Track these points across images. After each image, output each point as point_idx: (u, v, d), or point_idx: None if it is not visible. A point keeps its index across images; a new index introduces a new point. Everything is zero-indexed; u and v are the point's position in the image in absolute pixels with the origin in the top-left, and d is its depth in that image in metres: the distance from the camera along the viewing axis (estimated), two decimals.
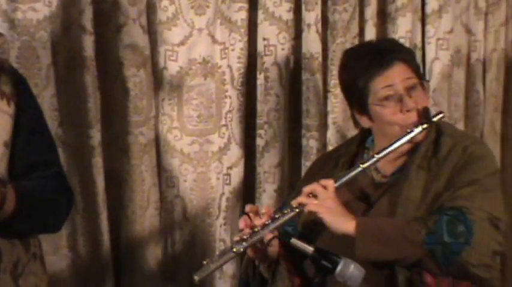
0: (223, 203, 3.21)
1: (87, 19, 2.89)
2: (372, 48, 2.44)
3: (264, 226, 2.23)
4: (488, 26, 3.59)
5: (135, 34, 2.99)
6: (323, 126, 3.30)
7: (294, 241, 2.19)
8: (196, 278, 2.22)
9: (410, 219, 2.25)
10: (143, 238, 3.08)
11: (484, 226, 2.22)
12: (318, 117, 3.27)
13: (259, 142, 3.26)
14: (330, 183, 2.27)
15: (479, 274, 2.24)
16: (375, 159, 2.31)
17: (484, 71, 3.61)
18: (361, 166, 2.31)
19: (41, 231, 2.30)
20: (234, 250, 2.21)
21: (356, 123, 2.49)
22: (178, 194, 3.16)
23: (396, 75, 2.33)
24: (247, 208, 2.29)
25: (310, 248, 2.15)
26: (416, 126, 2.32)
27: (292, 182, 3.33)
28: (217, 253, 3.09)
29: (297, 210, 2.25)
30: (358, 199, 2.39)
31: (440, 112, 2.39)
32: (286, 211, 2.26)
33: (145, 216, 3.08)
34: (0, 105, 2.11)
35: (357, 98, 2.39)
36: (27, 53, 2.80)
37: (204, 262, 2.23)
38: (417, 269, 2.23)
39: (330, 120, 3.27)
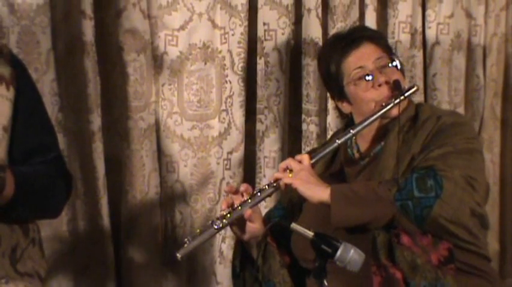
0: (224, 188, 3.21)
1: (87, 4, 2.88)
2: (342, 34, 2.53)
3: (243, 203, 2.33)
4: (488, 10, 3.58)
5: (135, 19, 2.99)
6: (323, 111, 3.30)
7: (294, 225, 2.20)
8: (178, 255, 2.31)
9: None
10: (143, 222, 3.09)
11: (456, 181, 2.24)
12: (318, 103, 3.27)
13: (260, 127, 3.26)
14: (304, 157, 2.36)
15: (457, 232, 2.26)
16: (350, 134, 2.40)
17: (485, 56, 3.60)
18: (337, 141, 2.39)
19: (40, 216, 2.31)
20: (215, 226, 2.29)
21: (342, 114, 2.58)
22: (179, 179, 3.17)
23: (366, 56, 2.43)
24: (226, 188, 2.36)
25: (310, 233, 2.16)
26: (390, 99, 2.39)
27: None
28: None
29: (274, 184, 2.34)
30: (339, 180, 2.43)
31: (413, 86, 2.44)
32: (264, 188, 2.35)
33: (145, 201, 3.08)
34: None
35: (334, 85, 2.49)
36: (27, 38, 2.79)
37: (186, 239, 2.32)
38: (395, 231, 2.25)
39: (330, 106, 3.27)
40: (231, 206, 2.34)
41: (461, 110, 3.52)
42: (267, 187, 2.35)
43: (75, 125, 2.96)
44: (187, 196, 3.18)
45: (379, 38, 2.51)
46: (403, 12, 3.36)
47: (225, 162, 3.21)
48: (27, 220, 2.21)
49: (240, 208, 2.32)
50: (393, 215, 2.24)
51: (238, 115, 3.20)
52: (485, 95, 3.61)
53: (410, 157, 2.33)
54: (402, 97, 2.38)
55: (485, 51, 3.60)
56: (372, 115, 2.39)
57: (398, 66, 2.46)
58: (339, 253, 2.09)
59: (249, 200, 2.33)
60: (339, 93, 2.49)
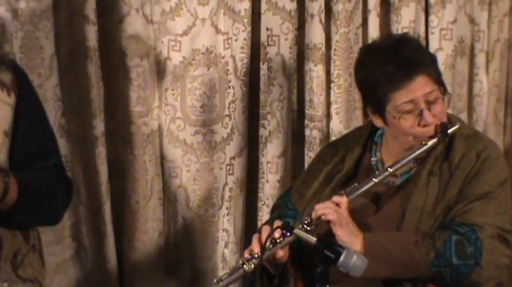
0: (226, 193, 3.21)
1: (90, 9, 2.88)
2: (395, 55, 2.35)
3: (274, 244, 2.25)
4: (492, 16, 3.58)
5: (138, 24, 2.99)
6: (326, 117, 3.29)
7: (297, 231, 2.20)
8: None
9: (421, 232, 2.25)
10: (146, 228, 3.09)
11: (494, 244, 2.24)
12: (321, 108, 3.27)
13: (262, 132, 3.26)
14: (343, 201, 2.28)
15: (488, 286, 2.26)
16: (387, 173, 2.32)
17: (488, 62, 3.60)
18: (374, 180, 2.32)
19: (40, 223, 2.32)
20: (245, 268, 2.23)
21: (366, 115, 2.48)
22: (181, 184, 3.16)
23: (418, 89, 2.31)
24: (264, 233, 2.29)
25: (313, 239, 2.16)
26: (432, 138, 2.33)
27: (295, 172, 3.33)
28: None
29: (308, 228, 2.26)
30: (369, 199, 2.39)
31: (455, 124, 2.38)
32: (298, 227, 2.26)
33: (148, 206, 3.08)
34: (0, 96, 2.12)
35: (374, 102, 2.38)
36: (31, 43, 2.79)
37: (214, 281, 2.26)
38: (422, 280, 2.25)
39: (333, 111, 3.27)
40: (261, 244, 2.26)
41: (464, 115, 3.52)
42: (300, 226, 2.26)
43: (78, 130, 2.96)
44: (190, 201, 3.17)
45: (433, 69, 2.36)
46: (406, 17, 3.36)
47: (228, 167, 3.21)
48: (28, 225, 2.22)
49: (270, 248, 2.25)
50: (427, 277, 2.23)
51: (241, 120, 3.20)
52: (488, 101, 3.61)
53: (448, 201, 2.29)
54: (445, 138, 2.32)
55: (488, 57, 3.60)
56: (412, 152, 2.32)
57: (445, 103, 2.39)
58: (341, 258, 2.09)
59: (280, 241, 2.25)
60: (377, 110, 2.38)
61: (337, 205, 2.28)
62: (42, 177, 2.18)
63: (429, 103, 2.32)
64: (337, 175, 2.46)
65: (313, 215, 2.28)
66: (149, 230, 3.09)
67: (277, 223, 2.32)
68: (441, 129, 2.32)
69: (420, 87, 2.31)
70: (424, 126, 2.32)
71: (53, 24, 2.83)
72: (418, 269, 2.23)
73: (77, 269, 3.00)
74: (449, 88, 3.42)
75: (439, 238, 2.23)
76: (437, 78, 2.36)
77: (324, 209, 2.27)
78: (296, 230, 2.20)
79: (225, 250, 3.20)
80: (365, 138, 2.51)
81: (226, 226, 3.21)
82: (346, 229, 2.26)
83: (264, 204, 3.28)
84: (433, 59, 2.44)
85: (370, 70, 2.37)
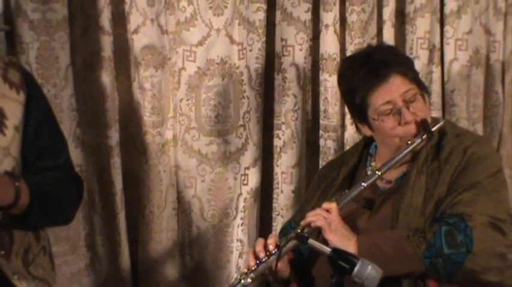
0: (241, 204, 3.21)
1: (106, 20, 2.90)
2: (367, 60, 2.41)
3: (269, 255, 2.28)
4: (507, 26, 3.56)
5: (153, 34, 3.00)
6: (341, 127, 3.29)
7: (312, 241, 2.20)
8: None
9: (412, 228, 2.26)
10: (161, 237, 3.09)
11: (486, 231, 2.22)
12: (336, 118, 3.27)
13: (277, 143, 3.26)
14: (332, 207, 2.31)
15: (490, 278, 2.24)
16: (375, 177, 2.35)
17: (503, 72, 3.58)
18: (363, 184, 2.34)
19: (53, 223, 2.35)
20: (242, 282, 2.26)
21: (359, 130, 2.52)
22: (196, 194, 3.17)
23: (394, 90, 2.35)
24: (257, 247, 2.31)
25: (327, 249, 2.15)
26: (416, 137, 2.34)
27: (309, 182, 3.32)
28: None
29: (299, 236, 2.26)
30: (363, 205, 2.41)
31: (439, 120, 2.40)
32: (289, 238, 2.28)
33: (162, 216, 3.08)
34: (10, 94, 2.17)
35: (356, 110, 2.43)
36: (47, 54, 2.81)
37: None
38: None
39: (347, 121, 3.26)
40: (257, 258, 2.30)
41: (479, 126, 3.50)
42: (295, 234, 2.28)
43: (93, 140, 2.97)
44: (204, 211, 3.17)
45: (407, 69, 2.40)
46: (421, 28, 3.35)
47: (243, 177, 3.21)
48: (41, 227, 2.25)
49: (266, 260, 2.28)
50: (422, 271, 2.22)
51: (255, 131, 3.20)
52: (504, 111, 3.59)
53: (438, 197, 2.29)
54: (429, 135, 2.33)
55: (504, 67, 3.58)
56: (398, 153, 2.34)
57: (427, 101, 2.41)
58: (356, 269, 2.08)
59: (275, 253, 2.28)
60: (361, 118, 2.43)
61: (327, 211, 2.30)
62: (53, 178, 2.21)
63: (407, 102, 2.35)
64: (333, 187, 2.49)
65: (302, 223, 2.31)
66: (163, 240, 3.10)
67: (272, 236, 2.34)
68: (423, 125, 2.34)
69: (396, 87, 2.35)
70: (405, 124, 2.34)
71: (68, 34, 2.85)
72: (411, 264, 2.22)
73: (92, 278, 3.01)
74: (464, 99, 3.43)
75: (430, 231, 2.23)
76: (413, 78, 2.39)
77: (313, 217, 2.30)
78: (310, 241, 2.19)
79: (239, 260, 3.20)
80: (360, 150, 2.54)
81: (240, 236, 3.21)
82: (337, 233, 2.28)
83: (278, 214, 3.27)
84: (407, 60, 2.49)
85: (347, 79, 2.43)
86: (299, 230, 2.29)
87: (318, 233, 2.34)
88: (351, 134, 3.25)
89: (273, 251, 2.28)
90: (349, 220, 2.34)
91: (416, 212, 2.29)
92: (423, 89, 2.41)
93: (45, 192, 2.16)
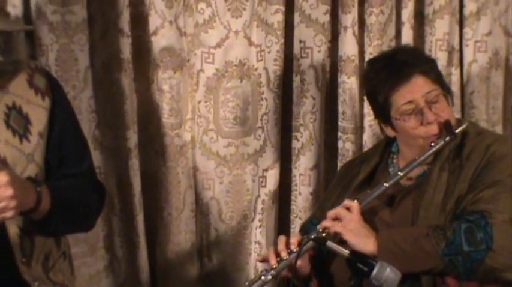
0: (259, 206, 3.21)
1: (125, 22, 2.91)
2: (390, 61, 2.43)
3: (290, 253, 2.29)
4: None
5: (171, 37, 3.01)
6: (359, 129, 3.28)
7: (330, 243, 2.20)
8: None
9: (431, 225, 2.26)
10: (179, 239, 3.09)
11: (506, 228, 2.21)
12: (354, 120, 3.26)
13: (295, 145, 3.26)
14: (354, 205, 2.31)
15: (510, 277, 2.22)
16: (398, 177, 2.35)
17: None
18: (385, 184, 2.34)
19: (75, 230, 2.35)
20: (262, 278, 2.27)
21: (382, 131, 2.52)
22: (214, 196, 3.17)
23: (416, 90, 2.35)
24: (280, 245, 2.32)
25: (346, 251, 2.15)
26: (439, 138, 2.34)
27: (327, 184, 3.32)
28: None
29: (323, 234, 2.29)
30: (383, 201, 2.40)
31: (463, 123, 2.40)
32: (312, 236, 2.29)
33: (181, 218, 3.09)
34: (35, 100, 2.18)
35: (379, 110, 2.44)
36: (66, 56, 2.83)
37: None
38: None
39: (366, 123, 3.25)
40: (278, 255, 2.31)
41: (499, 128, 3.48)
42: (315, 234, 2.30)
43: (112, 142, 2.98)
44: (222, 213, 3.18)
45: (430, 69, 2.41)
46: (440, 30, 3.34)
47: (261, 179, 3.21)
48: (62, 233, 2.25)
49: (287, 258, 2.29)
50: (441, 269, 2.22)
51: (274, 133, 3.20)
52: None
53: (458, 194, 2.29)
54: (452, 137, 2.33)
55: None
56: (421, 155, 2.34)
57: (450, 102, 2.41)
58: (374, 271, 2.07)
59: (296, 250, 2.29)
60: (385, 119, 2.44)
61: (348, 208, 2.31)
62: (75, 184, 2.21)
63: (430, 103, 2.35)
64: (353, 184, 2.49)
65: (319, 227, 2.31)
66: (182, 241, 3.10)
67: (294, 234, 2.36)
68: (446, 127, 2.34)
69: (418, 87, 2.35)
70: (427, 125, 2.35)
71: (87, 37, 2.86)
72: (430, 261, 2.21)
73: (110, 280, 3.02)
74: (483, 101, 3.41)
75: (449, 228, 2.22)
76: (436, 78, 2.39)
77: (328, 222, 2.31)
78: (328, 243, 2.19)
79: (257, 262, 3.20)
80: (382, 148, 2.54)
81: (258, 238, 3.21)
82: (354, 233, 2.28)
83: (296, 216, 3.27)
84: (430, 60, 2.49)
85: (370, 80, 2.45)
86: (318, 231, 2.30)
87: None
88: (369, 136, 3.24)
89: (295, 250, 2.29)
90: (369, 215, 2.35)
91: (437, 209, 2.29)
92: (446, 90, 2.41)
93: (66, 198, 2.16)
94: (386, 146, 2.54)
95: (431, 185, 2.33)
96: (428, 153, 2.34)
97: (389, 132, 2.46)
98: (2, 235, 2.08)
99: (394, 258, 2.21)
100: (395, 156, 2.50)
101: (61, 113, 2.22)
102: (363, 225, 2.30)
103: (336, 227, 2.29)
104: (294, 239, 2.32)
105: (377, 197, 2.36)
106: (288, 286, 2.40)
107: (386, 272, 2.07)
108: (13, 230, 2.11)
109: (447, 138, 2.33)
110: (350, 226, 2.28)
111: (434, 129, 2.35)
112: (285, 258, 2.29)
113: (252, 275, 3.20)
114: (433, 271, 2.23)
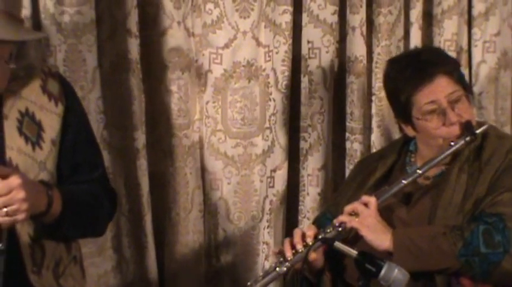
0: (267, 206, 3.21)
1: (133, 22, 2.91)
2: (414, 60, 2.42)
3: (305, 246, 2.28)
4: None
5: (180, 37, 3.01)
6: (367, 130, 3.28)
7: (338, 244, 2.19)
8: None
9: (449, 225, 2.25)
10: (187, 240, 3.09)
11: None
12: (362, 121, 3.26)
13: (303, 145, 3.26)
14: (371, 200, 2.31)
15: None
16: (416, 174, 2.35)
17: None
18: (403, 182, 2.34)
19: (85, 234, 2.34)
20: (277, 270, 2.26)
21: (401, 129, 2.51)
22: (222, 196, 3.17)
23: (439, 90, 2.35)
24: (296, 238, 2.31)
25: (354, 252, 2.15)
26: (459, 138, 2.33)
27: (336, 185, 3.32)
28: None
29: (339, 229, 2.29)
30: (400, 200, 2.40)
31: (484, 123, 2.40)
32: (328, 230, 2.30)
33: (189, 218, 3.09)
34: (48, 106, 2.16)
35: (401, 110, 2.42)
36: (74, 56, 2.83)
37: (248, 284, 2.29)
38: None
39: (374, 124, 3.25)
40: (293, 247, 2.30)
41: (507, 129, 3.47)
42: (331, 229, 2.31)
43: (120, 142, 2.98)
44: (230, 213, 3.18)
45: (453, 70, 2.40)
46: (448, 30, 3.33)
47: (269, 180, 3.21)
48: (72, 238, 2.24)
49: (303, 250, 2.29)
50: (457, 269, 2.22)
51: (282, 133, 3.20)
52: None
53: (476, 196, 2.29)
54: (472, 137, 2.33)
55: None
56: (440, 153, 2.34)
57: (471, 103, 2.41)
58: (383, 272, 2.07)
59: (312, 243, 2.28)
60: (405, 118, 2.43)
61: (365, 204, 2.30)
62: (87, 189, 2.20)
63: (452, 103, 2.35)
64: (370, 180, 2.48)
65: (335, 221, 2.31)
66: (190, 242, 3.10)
67: (310, 227, 2.35)
68: (467, 127, 2.33)
69: (441, 87, 2.34)
70: (449, 125, 2.34)
71: (96, 37, 2.86)
72: (446, 261, 2.21)
73: (118, 280, 3.02)
74: (492, 101, 3.41)
75: (467, 229, 2.22)
76: (459, 79, 2.39)
77: (345, 217, 2.30)
78: (336, 243, 2.19)
79: (265, 263, 3.20)
80: (399, 146, 2.54)
81: (266, 239, 3.21)
82: (371, 229, 2.28)
83: (304, 217, 3.27)
84: (453, 61, 2.49)
85: (392, 80, 2.43)
86: (334, 226, 2.29)
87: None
88: (378, 137, 3.24)
89: (310, 243, 2.28)
90: (386, 212, 2.34)
91: (455, 209, 2.29)
92: (468, 91, 2.41)
93: (78, 202, 2.15)
94: (403, 145, 2.53)
95: (449, 186, 2.32)
96: (448, 152, 2.34)
97: (409, 131, 2.45)
98: (12, 245, 2.06)
99: (410, 256, 2.21)
100: (412, 155, 2.49)
101: (74, 119, 2.21)
102: (379, 221, 2.29)
103: (352, 222, 2.29)
104: (311, 232, 2.31)
105: (394, 194, 2.36)
106: (299, 280, 2.39)
107: (395, 272, 2.06)
108: (24, 239, 2.10)
109: (467, 138, 2.32)
110: (367, 222, 2.28)
111: (456, 130, 2.34)
112: (300, 251, 2.28)
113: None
114: (448, 271, 2.23)
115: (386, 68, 2.51)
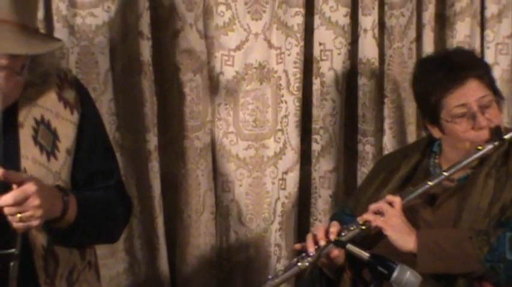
0: (279, 208, 3.21)
1: (145, 24, 2.92)
2: (445, 62, 2.41)
3: (328, 242, 2.27)
4: None
5: (191, 39, 3.01)
6: (379, 132, 3.27)
7: (350, 246, 2.19)
8: None
9: (475, 229, 2.25)
10: (198, 242, 3.10)
11: None
12: (374, 123, 3.25)
13: (315, 147, 3.25)
14: (396, 200, 2.30)
15: None
16: (442, 177, 2.34)
17: None
18: (429, 183, 2.33)
19: (99, 241, 2.34)
20: (299, 264, 2.25)
21: (427, 131, 2.50)
22: (234, 198, 3.17)
23: (470, 94, 2.34)
24: (319, 233, 2.30)
25: (365, 254, 2.14)
26: (488, 142, 2.33)
27: (347, 187, 3.31)
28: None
29: (363, 227, 2.29)
30: (425, 201, 2.39)
31: None
32: (352, 228, 2.29)
33: (200, 220, 3.09)
34: (64, 114, 2.14)
35: (429, 111, 2.41)
36: (86, 58, 2.84)
37: (269, 276, 2.28)
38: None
39: (386, 126, 3.24)
40: (316, 243, 2.30)
41: None
42: (354, 227, 2.31)
43: (132, 144, 2.99)
44: (242, 215, 3.18)
45: (484, 73, 2.40)
46: (461, 32, 3.32)
47: (280, 182, 3.21)
48: (86, 244, 2.23)
49: (325, 247, 2.28)
50: (481, 274, 2.21)
51: (293, 135, 3.20)
52: None
53: (503, 202, 2.28)
54: (501, 142, 2.33)
55: None
56: (467, 157, 2.34)
57: (501, 109, 2.40)
58: (395, 274, 2.06)
59: (335, 240, 2.28)
60: (433, 120, 2.42)
61: (390, 204, 2.30)
62: (102, 196, 2.18)
63: (482, 107, 2.34)
64: (393, 179, 2.47)
65: (359, 219, 2.30)
66: (201, 244, 3.10)
67: (334, 223, 2.33)
68: (496, 132, 2.33)
69: (472, 91, 2.34)
70: (479, 129, 2.33)
71: (108, 39, 2.87)
72: (471, 265, 2.21)
73: (130, 282, 3.02)
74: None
75: (493, 234, 2.21)
76: (490, 84, 2.38)
77: (370, 216, 2.29)
78: (348, 246, 2.18)
79: (277, 265, 3.20)
80: (424, 146, 2.53)
81: (278, 241, 3.21)
82: (395, 229, 2.27)
83: (316, 219, 3.27)
84: (485, 65, 2.48)
85: (422, 81, 2.42)
86: (359, 224, 2.29)
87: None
88: (390, 139, 3.24)
89: (333, 240, 2.27)
90: (410, 213, 2.33)
91: (481, 214, 2.28)
92: (499, 96, 2.40)
93: (93, 209, 2.14)
94: (428, 145, 2.52)
95: (476, 190, 2.32)
96: (476, 156, 2.33)
97: (436, 133, 2.44)
98: (26, 255, 2.05)
99: (434, 258, 2.21)
100: (436, 156, 2.49)
101: (90, 127, 2.19)
102: (404, 222, 2.28)
103: (377, 221, 2.28)
104: (334, 229, 2.30)
105: (419, 195, 2.36)
106: (317, 276, 2.39)
107: (407, 275, 2.06)
108: (38, 252, 2.09)
109: (496, 143, 2.32)
110: (392, 222, 2.27)
111: (485, 134, 2.34)
112: (322, 247, 2.27)
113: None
114: (472, 275, 2.22)
115: (416, 69, 2.50)
